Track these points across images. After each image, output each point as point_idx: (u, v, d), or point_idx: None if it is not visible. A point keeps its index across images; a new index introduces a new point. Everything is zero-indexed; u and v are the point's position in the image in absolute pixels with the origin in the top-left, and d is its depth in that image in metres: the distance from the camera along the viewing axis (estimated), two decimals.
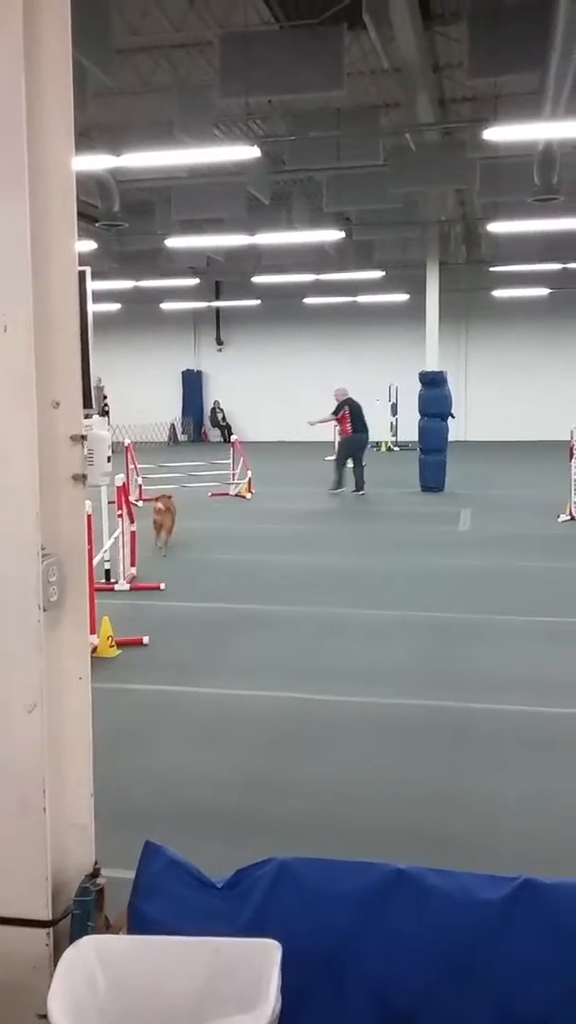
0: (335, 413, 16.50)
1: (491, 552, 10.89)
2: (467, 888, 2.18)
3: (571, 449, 14.28)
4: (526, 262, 21.32)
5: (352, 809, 4.47)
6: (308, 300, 26.94)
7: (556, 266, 22.02)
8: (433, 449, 16.68)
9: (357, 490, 16.10)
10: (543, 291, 25.23)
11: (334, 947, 2.23)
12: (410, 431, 19.51)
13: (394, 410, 25.96)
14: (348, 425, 16.28)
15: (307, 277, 23.01)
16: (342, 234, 17.61)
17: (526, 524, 12.80)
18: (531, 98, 9.73)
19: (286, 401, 28.84)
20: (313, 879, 2.27)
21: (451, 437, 17.08)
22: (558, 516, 13.06)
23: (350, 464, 16.36)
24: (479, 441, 26.83)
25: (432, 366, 17.55)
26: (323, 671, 6.60)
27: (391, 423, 26.01)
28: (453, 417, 17.11)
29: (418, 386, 16.93)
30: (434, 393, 16.73)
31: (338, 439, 17.19)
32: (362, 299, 26.34)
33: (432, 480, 16.61)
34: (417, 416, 16.94)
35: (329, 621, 7.96)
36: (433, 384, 16.81)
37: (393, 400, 25.89)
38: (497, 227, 16.25)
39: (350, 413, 16.30)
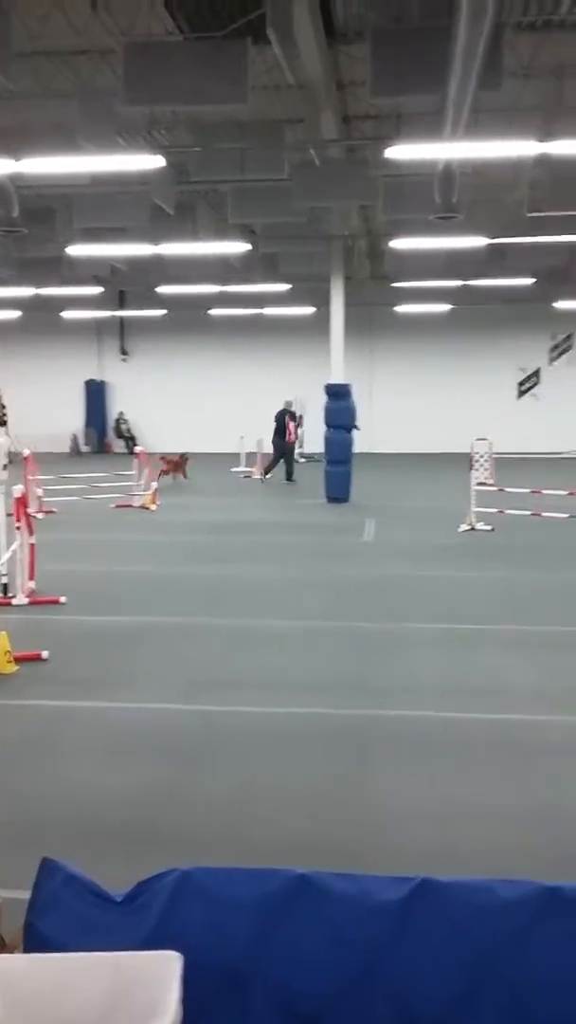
0: None
1: (395, 562, 11.06)
2: (368, 891, 2.19)
3: (470, 461, 14.65)
4: (428, 278, 21.81)
5: (257, 820, 4.46)
6: (214, 311, 26.93)
7: (456, 283, 22.61)
8: (338, 460, 16.86)
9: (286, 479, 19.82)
10: (445, 307, 25.86)
11: (237, 955, 2.21)
12: (317, 443, 19.72)
13: (300, 422, 26.12)
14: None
15: (212, 288, 22.99)
16: (247, 246, 17.67)
17: (429, 534, 13.05)
18: (433, 118, 9.96)
19: (192, 412, 28.73)
20: (215, 888, 2.25)
21: (356, 449, 17.30)
22: (459, 526, 13.36)
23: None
24: (384, 453, 27.24)
25: (337, 378, 17.74)
26: (228, 683, 6.57)
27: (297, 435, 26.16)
28: (358, 429, 17.37)
29: (324, 398, 17.12)
30: (339, 405, 16.94)
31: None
32: (268, 311, 26.48)
33: (337, 491, 16.77)
34: (323, 428, 17.13)
35: (234, 632, 7.94)
36: (338, 396, 17.01)
37: (299, 412, 26.05)
38: (400, 243, 16.58)
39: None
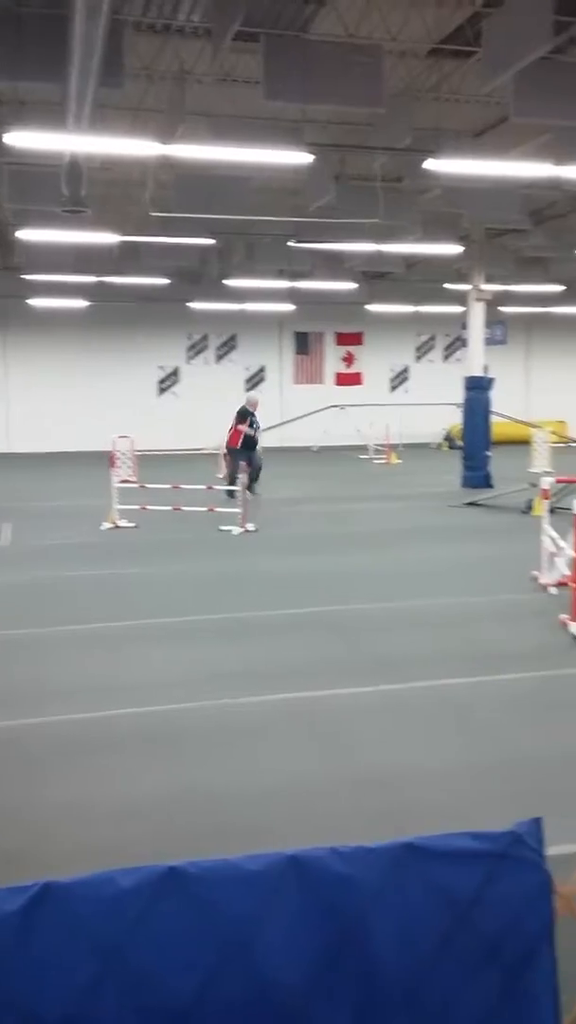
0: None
1: (34, 565, 10.74)
2: None
3: (111, 459, 14.66)
4: (62, 272, 21.42)
5: None
6: None
7: (92, 279, 22.45)
8: None
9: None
10: (82, 303, 25.56)
11: None
12: None
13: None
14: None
15: None
16: None
17: (71, 534, 12.84)
18: (57, 108, 9.77)
19: None
20: None
21: None
22: (102, 524, 13.30)
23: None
24: (22, 453, 26.37)
25: None
26: None
27: None
28: None
29: None
30: None
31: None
32: None
33: None
34: None
35: None
36: None
37: None
38: (28, 234, 16.09)
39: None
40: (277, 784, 4.81)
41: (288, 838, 4.03)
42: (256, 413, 16.50)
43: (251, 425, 16.18)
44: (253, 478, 15.82)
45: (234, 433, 16.14)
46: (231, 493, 14.85)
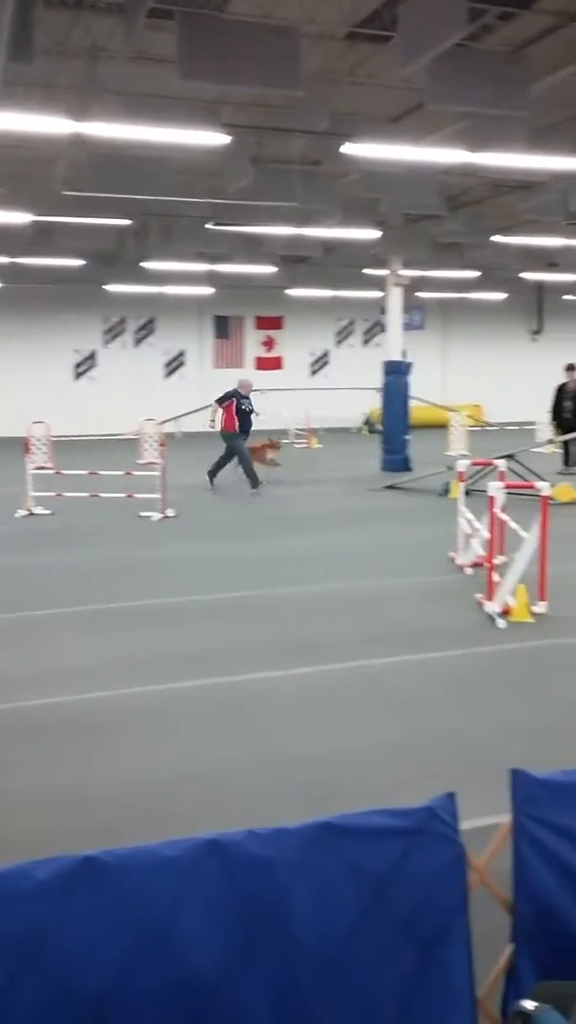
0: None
1: None
2: None
3: (26, 444, 14.36)
4: None
5: None
6: None
7: (4, 259, 21.89)
8: None
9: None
10: None
11: None
12: None
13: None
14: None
15: None
16: None
17: None
18: None
19: None
20: None
21: None
22: (16, 512, 13.01)
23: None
24: None
25: None
26: None
27: None
28: None
29: None
30: None
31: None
32: None
33: None
34: None
35: None
36: None
37: None
38: None
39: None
40: (201, 770, 4.80)
41: (213, 822, 4.02)
42: (250, 397, 15.92)
43: (240, 407, 15.42)
44: (220, 466, 15.83)
45: (226, 418, 15.35)
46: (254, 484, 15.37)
